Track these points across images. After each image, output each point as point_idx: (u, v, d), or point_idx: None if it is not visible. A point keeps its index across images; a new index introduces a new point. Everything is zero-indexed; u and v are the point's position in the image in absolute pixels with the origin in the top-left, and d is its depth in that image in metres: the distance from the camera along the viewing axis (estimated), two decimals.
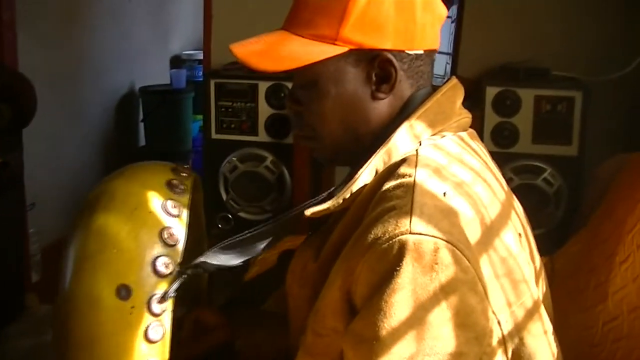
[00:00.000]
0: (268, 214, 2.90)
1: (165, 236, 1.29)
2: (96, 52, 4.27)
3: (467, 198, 1.14)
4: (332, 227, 1.25)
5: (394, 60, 1.21)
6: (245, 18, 3.08)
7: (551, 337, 1.21)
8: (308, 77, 1.25)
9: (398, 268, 1.04)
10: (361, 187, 1.19)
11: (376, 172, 1.19)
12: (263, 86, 2.86)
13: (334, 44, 1.19)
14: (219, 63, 3.04)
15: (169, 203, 1.33)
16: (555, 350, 1.21)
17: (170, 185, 1.36)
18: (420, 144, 1.20)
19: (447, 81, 1.30)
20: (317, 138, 1.28)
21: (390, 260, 1.05)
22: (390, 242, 1.05)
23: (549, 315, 1.24)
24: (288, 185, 2.90)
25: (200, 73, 5.29)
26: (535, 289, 1.22)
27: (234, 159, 2.91)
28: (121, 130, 4.69)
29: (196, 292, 1.65)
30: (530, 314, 1.17)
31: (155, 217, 1.31)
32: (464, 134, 1.28)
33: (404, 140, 1.20)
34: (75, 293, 1.27)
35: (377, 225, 1.08)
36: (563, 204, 2.61)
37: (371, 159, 1.19)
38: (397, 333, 1.03)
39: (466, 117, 1.30)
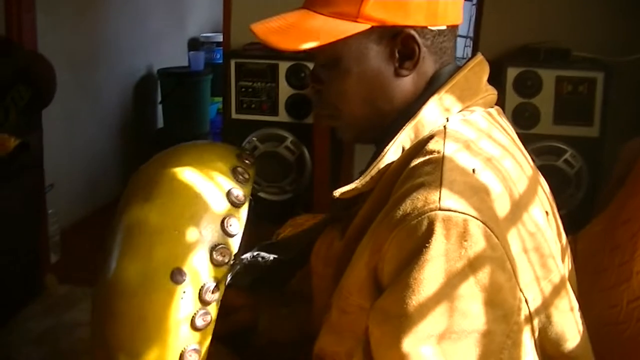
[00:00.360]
0: (288, 194, 2.91)
1: (227, 225, 1.26)
2: (114, 35, 4.27)
3: (497, 173, 1.13)
4: (359, 206, 1.25)
5: (417, 36, 1.19)
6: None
7: (577, 314, 1.21)
8: (330, 56, 1.23)
9: (427, 244, 1.03)
10: (388, 164, 1.18)
11: (403, 149, 1.18)
12: (283, 66, 2.86)
13: (356, 21, 1.17)
14: (239, 43, 3.04)
15: (234, 191, 1.29)
16: (581, 327, 1.21)
17: (235, 172, 1.32)
18: (447, 120, 1.19)
19: (472, 58, 1.29)
20: (339, 117, 1.27)
21: (419, 236, 1.04)
22: (420, 218, 1.04)
23: (574, 293, 1.23)
24: (308, 165, 2.90)
25: (219, 55, 5.29)
26: (562, 265, 1.21)
27: (254, 139, 2.92)
28: (139, 112, 4.70)
29: None
30: (558, 289, 1.17)
31: (219, 204, 1.27)
32: (492, 110, 1.27)
33: (433, 113, 1.19)
34: (128, 268, 1.24)
35: (405, 202, 1.07)
36: (584, 186, 2.61)
37: (398, 135, 1.18)
38: (425, 310, 1.03)
39: (492, 93, 1.29)
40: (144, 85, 4.74)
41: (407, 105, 1.22)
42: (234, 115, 2.94)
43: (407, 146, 1.18)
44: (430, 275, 1.03)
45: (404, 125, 1.19)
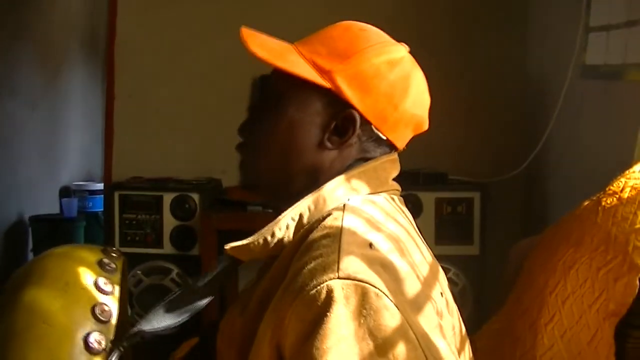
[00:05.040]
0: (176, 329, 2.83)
1: (98, 312, 1.27)
2: None
3: (400, 252, 1.16)
4: (259, 281, 1.25)
5: (358, 121, 1.24)
6: (145, 133, 3.13)
7: None
8: (279, 89, 1.27)
9: (327, 314, 1.03)
10: (280, 240, 1.20)
11: (300, 216, 1.20)
12: (168, 198, 2.87)
13: (322, 76, 1.23)
14: (120, 177, 3.07)
15: (101, 280, 1.32)
16: None
17: (101, 264, 1.36)
18: (349, 199, 1.22)
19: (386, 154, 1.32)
20: (253, 149, 1.30)
21: (319, 306, 1.04)
22: (318, 287, 1.05)
23: None
24: None
25: (91, 203, 5.23)
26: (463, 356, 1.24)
27: (138, 272, 2.86)
28: (10, 259, 4.53)
29: None
30: None
31: (88, 292, 1.29)
32: (395, 197, 1.32)
33: (338, 189, 1.22)
34: None
35: (303, 273, 1.08)
36: (469, 303, 2.67)
37: (298, 202, 1.20)
38: None
39: (397, 189, 1.33)
40: (14, 232, 4.60)
41: (316, 178, 1.25)
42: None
43: (306, 215, 1.20)
44: (332, 345, 1.02)
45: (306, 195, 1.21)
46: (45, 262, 1.35)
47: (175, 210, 2.86)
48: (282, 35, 1.33)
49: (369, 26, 1.31)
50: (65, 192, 5.33)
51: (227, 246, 1.21)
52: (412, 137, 1.35)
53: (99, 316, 1.26)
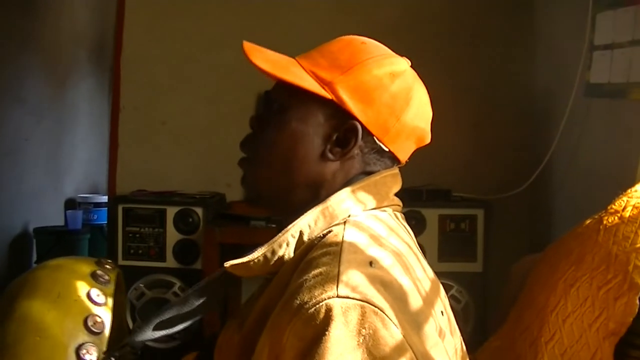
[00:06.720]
0: (176, 342, 2.83)
1: (90, 324, 1.29)
2: None
3: (404, 268, 1.16)
4: (258, 297, 1.25)
5: (360, 133, 1.23)
6: (150, 146, 3.14)
7: None
8: (282, 102, 1.27)
9: (326, 332, 1.02)
10: (281, 257, 1.19)
11: (300, 233, 1.20)
12: (171, 211, 2.87)
13: (323, 87, 1.23)
14: (124, 190, 3.09)
15: (94, 291, 1.33)
16: None
17: (94, 276, 1.37)
18: (349, 215, 1.21)
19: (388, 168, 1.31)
20: (253, 163, 1.30)
21: (317, 325, 1.03)
22: (317, 306, 1.04)
23: None
24: None
25: (96, 216, 5.22)
26: None
27: (141, 285, 2.86)
28: (14, 271, 4.52)
29: None
30: None
31: (80, 304, 1.31)
32: (399, 214, 1.32)
33: (344, 202, 1.22)
34: None
35: (303, 291, 1.07)
36: (471, 320, 2.67)
37: (299, 219, 1.20)
38: None
39: (398, 204, 1.32)
40: (19, 243, 4.59)
41: (319, 189, 1.25)
42: (121, 262, 2.88)
43: (306, 232, 1.20)
44: None
45: (311, 208, 1.21)
46: (38, 274, 1.36)
47: (178, 224, 2.87)
48: (288, 48, 1.34)
49: (371, 40, 1.32)
50: (70, 204, 5.33)
51: (227, 264, 1.20)
52: (417, 154, 1.34)
53: (92, 327, 1.28)
